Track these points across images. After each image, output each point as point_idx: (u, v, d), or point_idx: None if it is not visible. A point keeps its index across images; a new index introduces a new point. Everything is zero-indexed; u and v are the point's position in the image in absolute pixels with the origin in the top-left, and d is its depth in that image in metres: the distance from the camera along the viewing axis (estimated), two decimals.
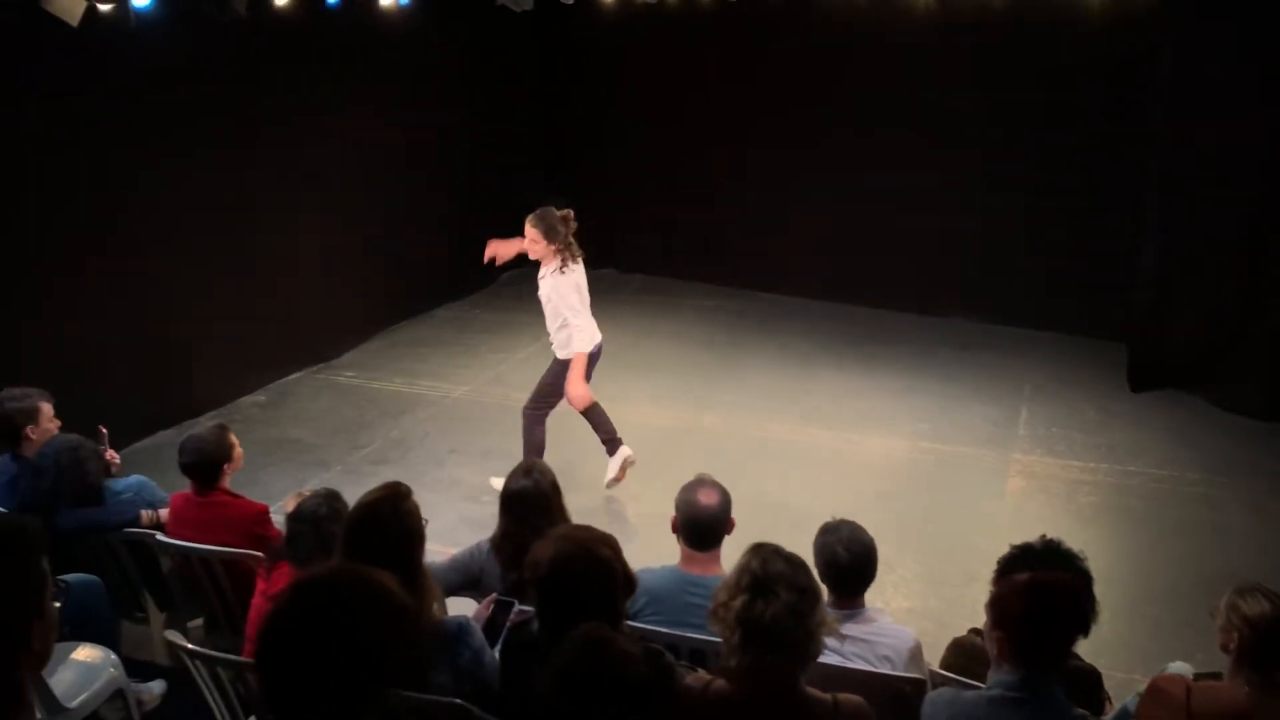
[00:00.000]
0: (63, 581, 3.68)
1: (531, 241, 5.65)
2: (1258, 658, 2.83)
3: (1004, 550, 3.35)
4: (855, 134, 9.07)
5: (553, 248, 5.65)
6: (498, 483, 5.76)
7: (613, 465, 5.95)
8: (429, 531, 3.03)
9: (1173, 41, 7.14)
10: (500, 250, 5.95)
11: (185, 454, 4.08)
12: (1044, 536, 3.34)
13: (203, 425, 4.41)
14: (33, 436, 4.38)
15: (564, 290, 5.67)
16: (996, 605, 2.67)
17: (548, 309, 5.81)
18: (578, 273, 5.75)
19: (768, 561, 2.42)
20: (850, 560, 3.23)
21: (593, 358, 5.90)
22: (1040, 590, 2.63)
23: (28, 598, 1.63)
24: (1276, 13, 6.73)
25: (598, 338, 5.92)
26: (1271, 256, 7.03)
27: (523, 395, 7.49)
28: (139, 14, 6.04)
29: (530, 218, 5.68)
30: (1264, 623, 2.81)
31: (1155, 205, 7.44)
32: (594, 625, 2.26)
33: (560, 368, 5.83)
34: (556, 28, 10.06)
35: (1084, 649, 3.04)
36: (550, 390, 5.89)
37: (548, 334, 5.96)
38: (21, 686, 1.64)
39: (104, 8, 5.78)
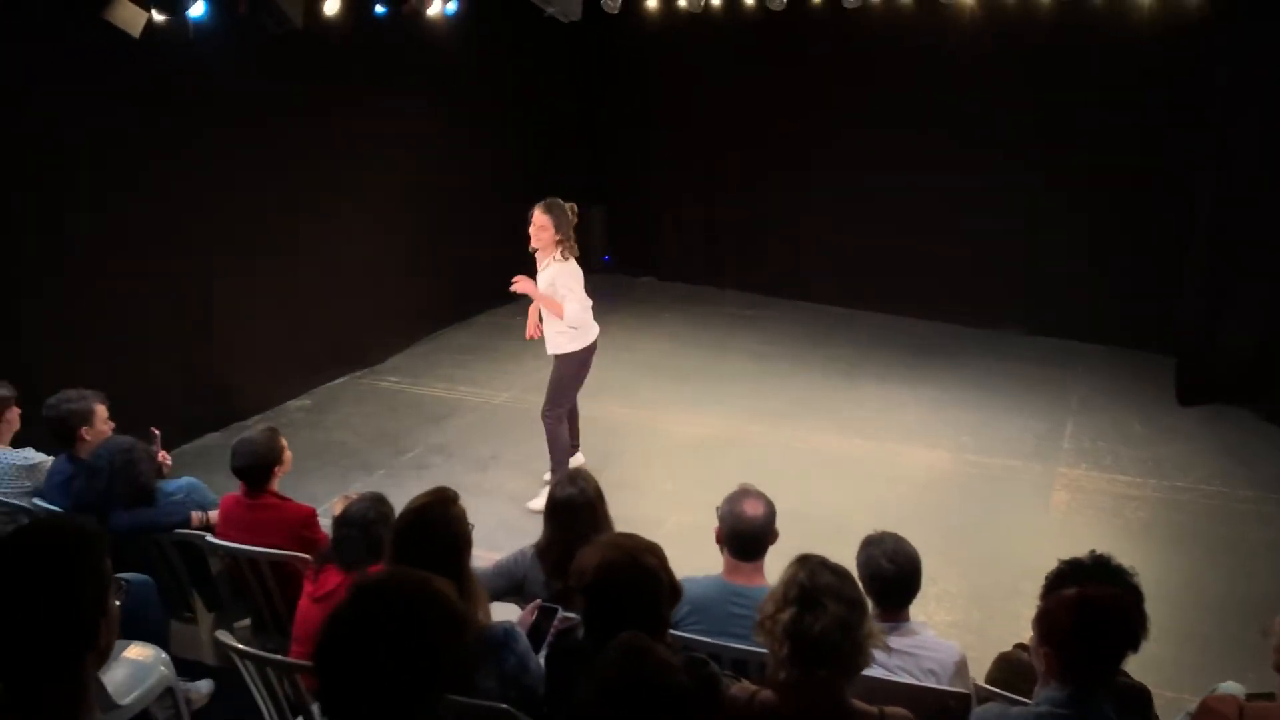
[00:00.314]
0: (124, 580, 3.75)
1: (540, 229, 5.66)
2: None
3: (1049, 565, 3.31)
4: (901, 143, 9.01)
5: (557, 237, 5.67)
6: (535, 504, 5.87)
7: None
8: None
9: (1226, 50, 7.04)
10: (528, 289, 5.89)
11: (237, 457, 4.15)
12: (1093, 552, 3.30)
13: (253, 428, 4.47)
14: (87, 438, 4.47)
15: (566, 276, 5.70)
16: (1044, 620, 2.63)
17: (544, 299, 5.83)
18: (575, 265, 5.79)
19: (815, 573, 2.41)
20: (895, 572, 3.21)
21: (589, 352, 5.97)
22: (1089, 605, 2.59)
23: (96, 597, 1.67)
24: None
25: (595, 332, 5.98)
26: None
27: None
28: (195, 25, 6.16)
29: (540, 205, 5.69)
30: None
31: (1206, 216, 7.33)
32: (633, 634, 2.26)
33: (563, 365, 5.89)
34: (601, 38, 10.10)
35: (1132, 667, 2.99)
36: (561, 388, 5.95)
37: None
38: (87, 683, 1.68)
39: (161, 19, 5.90)
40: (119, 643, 3.79)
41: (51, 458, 4.58)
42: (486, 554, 4.09)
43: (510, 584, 3.67)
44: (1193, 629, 4.88)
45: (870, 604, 3.25)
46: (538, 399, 7.65)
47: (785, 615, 2.36)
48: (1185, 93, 7.64)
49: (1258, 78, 6.90)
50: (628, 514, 5.44)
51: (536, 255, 5.85)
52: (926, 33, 8.64)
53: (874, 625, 2.46)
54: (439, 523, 2.82)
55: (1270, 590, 5.05)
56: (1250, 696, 3.15)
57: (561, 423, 5.96)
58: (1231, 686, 3.40)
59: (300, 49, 7.13)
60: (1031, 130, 8.54)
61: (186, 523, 4.26)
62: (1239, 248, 7.23)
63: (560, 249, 5.70)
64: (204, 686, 4.27)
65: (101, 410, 4.55)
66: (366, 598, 1.79)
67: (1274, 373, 7.22)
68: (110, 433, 4.53)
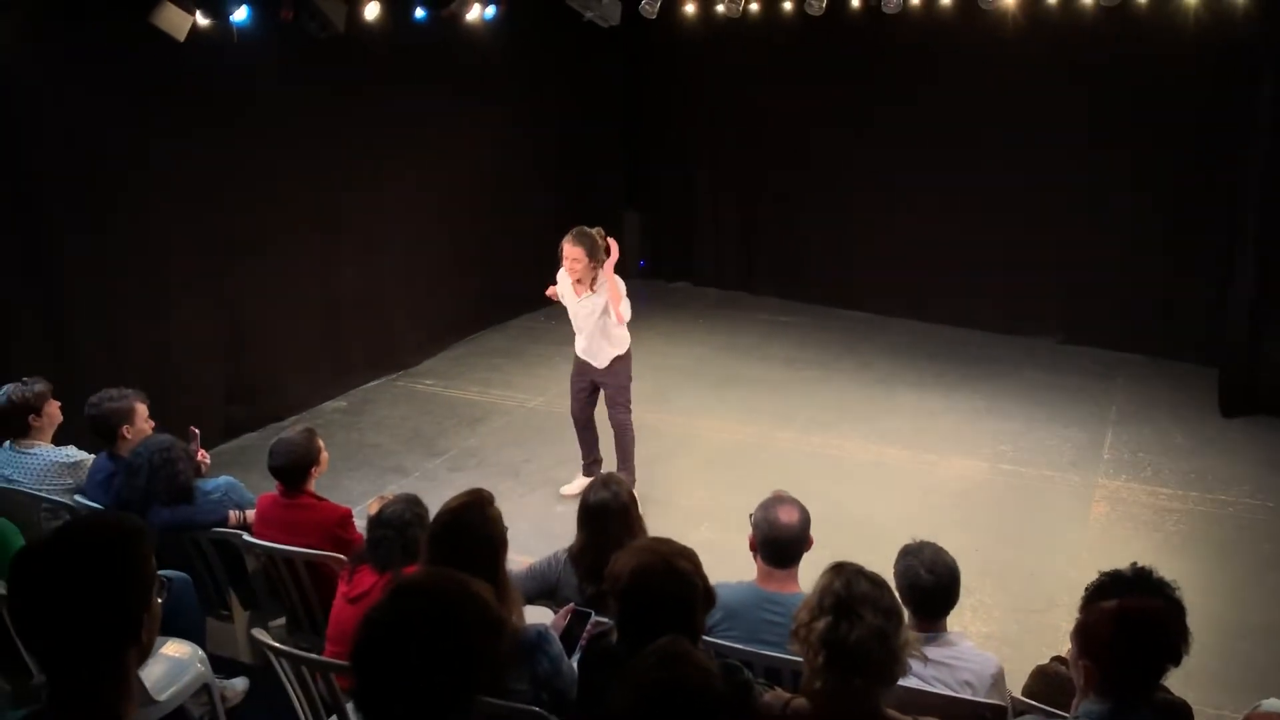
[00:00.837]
0: (165, 578, 3.78)
1: (574, 261, 5.66)
2: None
3: (1087, 577, 3.25)
4: (939, 152, 8.98)
5: (592, 264, 5.68)
6: (567, 490, 6.00)
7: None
8: None
9: (1273, 57, 6.92)
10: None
11: (275, 456, 4.19)
12: (1134, 564, 3.24)
13: (291, 429, 4.51)
14: (128, 436, 4.52)
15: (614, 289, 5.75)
16: (1084, 632, 2.59)
17: (589, 324, 5.87)
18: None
19: (851, 582, 2.39)
20: (933, 583, 3.17)
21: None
22: (1129, 617, 2.55)
23: (140, 593, 1.69)
24: None
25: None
26: None
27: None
28: (239, 29, 6.24)
29: (569, 238, 5.68)
30: None
31: (1252, 226, 7.21)
32: (672, 639, 2.25)
33: (621, 366, 5.99)
34: (639, 42, 10.14)
35: (1173, 683, 2.94)
36: (626, 387, 6.02)
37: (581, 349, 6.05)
38: (130, 678, 1.70)
39: (205, 23, 5.98)
40: (157, 639, 3.85)
41: (93, 456, 4.64)
42: (519, 558, 4.09)
43: (543, 587, 3.67)
44: (1235, 645, 4.78)
45: (907, 614, 3.23)
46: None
47: (821, 624, 2.34)
48: (1231, 100, 7.52)
49: None
50: (661, 519, 5.46)
51: (574, 286, 5.85)
52: (965, 38, 8.57)
53: (910, 635, 2.44)
54: (475, 524, 2.82)
55: None
56: None
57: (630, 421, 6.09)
58: (1274, 704, 3.31)
59: (340, 53, 7.21)
60: (1072, 137, 8.45)
61: (224, 521, 4.30)
62: None
63: (594, 274, 5.73)
64: (239, 684, 4.31)
65: (142, 409, 4.60)
66: (405, 597, 1.80)
67: None
68: (151, 431, 4.58)
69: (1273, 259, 7.16)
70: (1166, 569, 3.34)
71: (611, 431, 6.12)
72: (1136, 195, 8.33)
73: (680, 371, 8.39)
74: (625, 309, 5.77)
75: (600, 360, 5.97)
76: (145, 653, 1.75)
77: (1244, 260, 7.32)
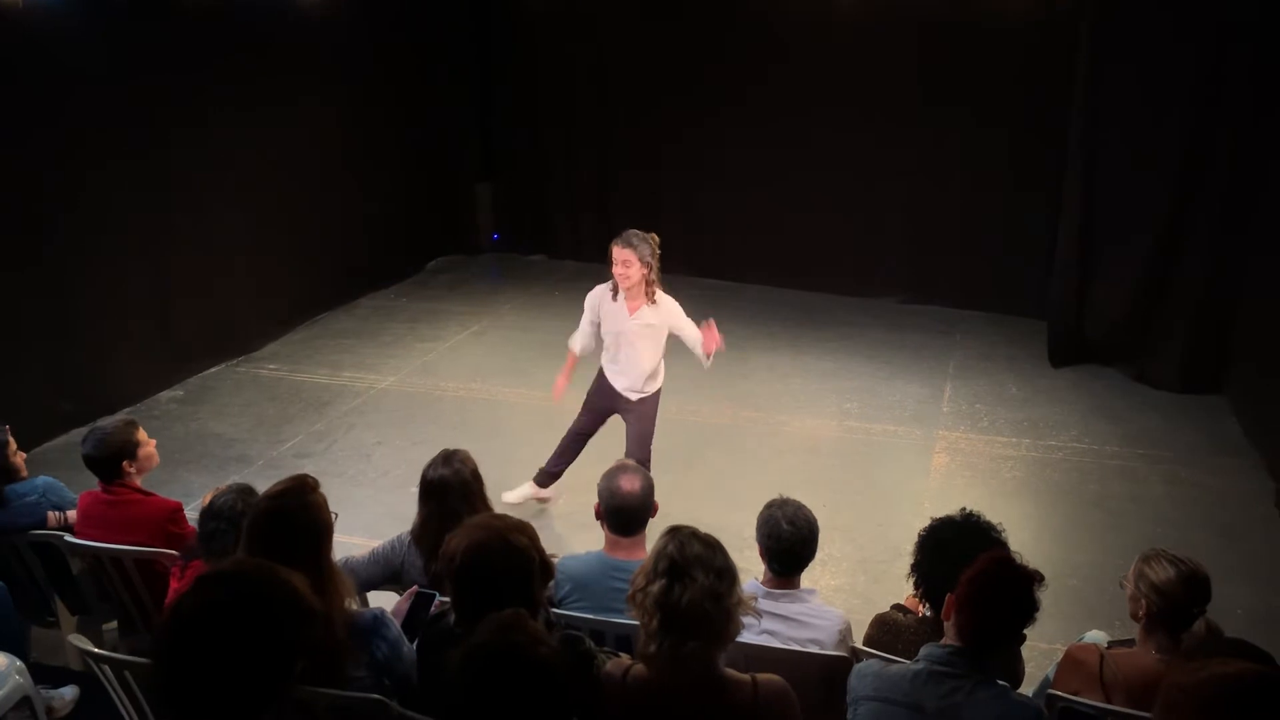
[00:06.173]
0: None
1: (624, 264, 5.07)
2: (1166, 622, 2.90)
3: None
4: (786, 119, 9.15)
5: (644, 272, 5.12)
6: (510, 497, 5.52)
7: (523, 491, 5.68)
8: (352, 524, 2.96)
9: (1095, 21, 7.27)
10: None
11: (85, 444, 3.98)
12: (964, 509, 3.39)
13: (113, 418, 4.26)
14: None
15: (676, 315, 5.30)
16: (970, 578, 2.64)
17: (637, 343, 5.29)
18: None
19: (684, 545, 2.40)
20: (792, 534, 3.21)
21: None
22: (1010, 576, 2.66)
23: None
24: None
25: None
26: (1186, 235, 7.23)
27: (453, 384, 7.41)
28: None
29: (619, 239, 5.13)
30: (1170, 587, 2.88)
31: (1075, 186, 7.59)
32: (512, 611, 2.22)
33: (650, 405, 5.43)
34: (488, 6, 10.06)
35: None
36: (650, 433, 5.44)
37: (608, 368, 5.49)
38: None
39: None
40: None
41: None
42: (368, 542, 3.98)
43: (387, 571, 3.58)
44: (1065, 582, 5.06)
45: (764, 570, 3.28)
46: (425, 382, 7.58)
47: (655, 587, 2.35)
48: (1055, 66, 7.87)
49: (1125, 50, 7.15)
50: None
51: (624, 298, 5.26)
52: (811, 8, 8.75)
53: (744, 593, 2.46)
54: (296, 511, 2.69)
55: (1135, 542, 5.24)
56: (1112, 644, 3.27)
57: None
58: (1095, 635, 3.53)
59: (162, 25, 6.81)
60: (909, 105, 8.74)
61: (43, 523, 4.04)
62: (1106, 216, 7.52)
63: (650, 286, 5.18)
64: (68, 693, 4.06)
65: None
66: (209, 586, 1.72)
67: (1139, 334, 7.56)
68: None
69: (1093, 217, 7.57)
70: (1001, 513, 3.50)
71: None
72: (969, 158, 8.67)
73: (538, 345, 8.30)
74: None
75: (633, 388, 5.36)
76: None
77: (1068, 220, 7.71)
